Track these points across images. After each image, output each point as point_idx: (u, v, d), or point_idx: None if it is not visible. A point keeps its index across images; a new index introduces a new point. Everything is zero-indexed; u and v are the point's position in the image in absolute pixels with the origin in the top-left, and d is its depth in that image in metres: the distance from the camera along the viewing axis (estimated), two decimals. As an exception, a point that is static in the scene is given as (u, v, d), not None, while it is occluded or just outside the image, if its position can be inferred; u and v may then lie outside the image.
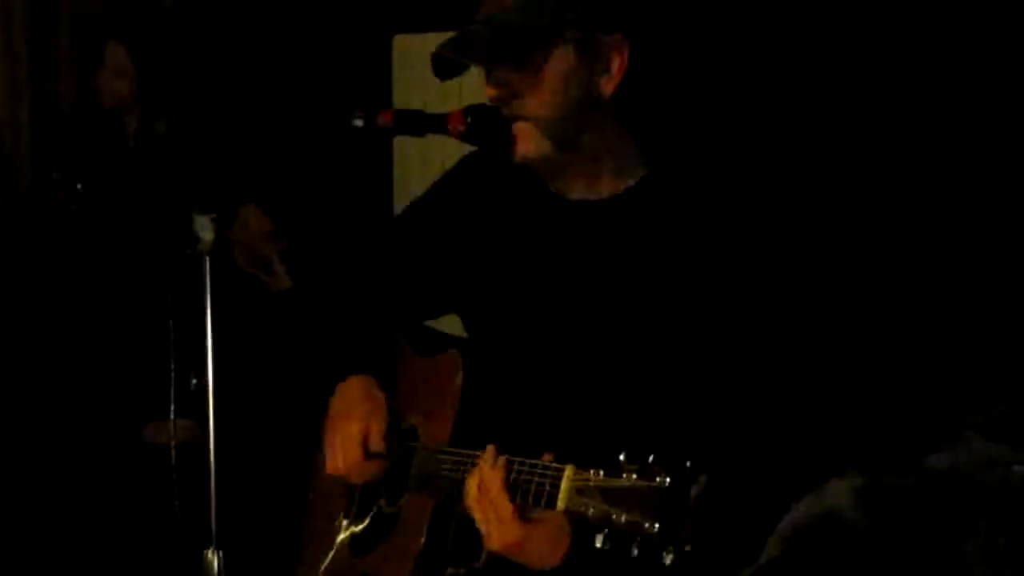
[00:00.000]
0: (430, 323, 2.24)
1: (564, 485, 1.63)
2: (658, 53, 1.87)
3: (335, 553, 2.12)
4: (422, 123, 1.97)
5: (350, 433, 1.98)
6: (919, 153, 2.34)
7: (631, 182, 1.91)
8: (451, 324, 2.17)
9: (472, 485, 1.76)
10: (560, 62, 1.81)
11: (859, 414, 1.89)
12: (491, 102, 1.87)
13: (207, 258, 2.19)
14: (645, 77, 1.85)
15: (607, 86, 1.83)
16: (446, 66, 1.88)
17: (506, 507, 1.71)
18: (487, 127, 1.87)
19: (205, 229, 2.22)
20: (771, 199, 1.95)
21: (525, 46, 1.80)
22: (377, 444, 1.98)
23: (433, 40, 1.90)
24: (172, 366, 3.08)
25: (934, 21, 2.33)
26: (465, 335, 2.11)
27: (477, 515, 1.76)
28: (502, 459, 1.75)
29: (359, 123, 1.92)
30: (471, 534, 1.81)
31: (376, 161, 3.53)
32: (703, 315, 1.82)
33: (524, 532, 1.71)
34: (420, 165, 2.19)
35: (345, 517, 2.15)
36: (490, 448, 1.78)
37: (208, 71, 3.97)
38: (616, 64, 1.82)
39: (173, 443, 3.15)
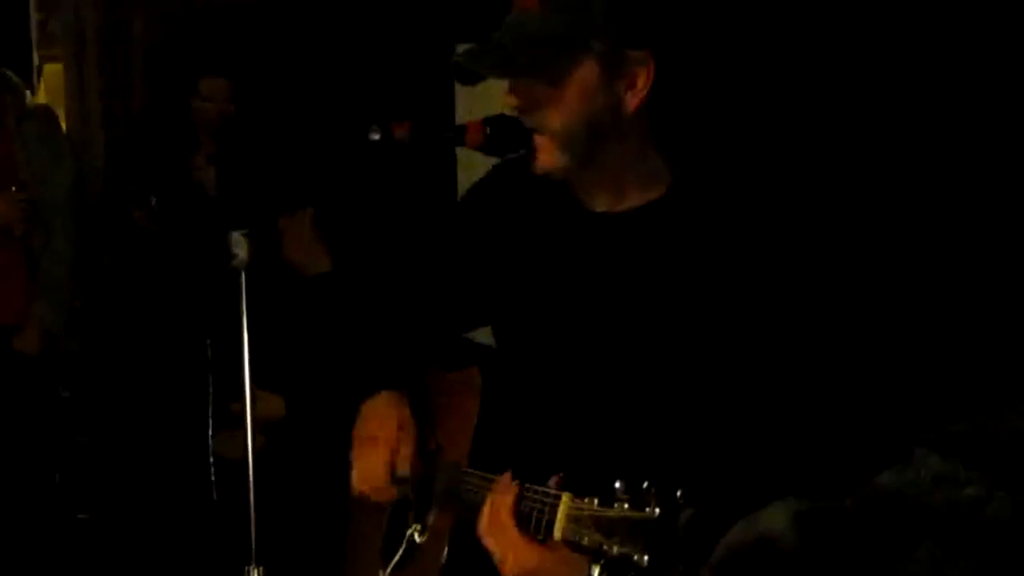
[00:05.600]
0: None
1: (560, 514, 1.66)
2: (687, 67, 1.89)
3: (373, 570, 2.19)
4: (441, 134, 2.01)
5: (376, 458, 2.06)
6: (950, 185, 2.34)
7: (657, 194, 1.92)
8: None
9: (484, 514, 1.81)
10: (582, 76, 1.82)
11: (836, 441, 1.87)
12: (513, 112, 1.90)
13: (243, 273, 2.30)
14: (675, 91, 1.86)
15: (631, 101, 1.84)
16: (468, 72, 1.93)
17: (515, 534, 1.75)
18: (507, 138, 1.90)
19: (239, 246, 2.33)
20: (797, 212, 1.94)
21: (546, 58, 1.82)
22: (403, 468, 2.05)
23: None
24: (211, 387, 3.20)
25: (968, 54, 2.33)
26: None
27: (489, 544, 1.80)
28: (514, 487, 1.78)
29: (376, 136, 1.97)
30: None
31: (440, 170, 3.62)
32: (723, 332, 1.82)
33: (539, 556, 1.73)
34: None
35: (381, 536, 2.22)
36: (505, 476, 1.82)
37: (276, 81, 4.13)
38: (641, 79, 1.83)
39: (212, 460, 3.27)
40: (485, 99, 2.29)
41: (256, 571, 2.33)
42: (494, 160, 2.08)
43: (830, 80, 2.52)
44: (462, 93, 3.43)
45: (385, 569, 2.13)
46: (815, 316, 1.84)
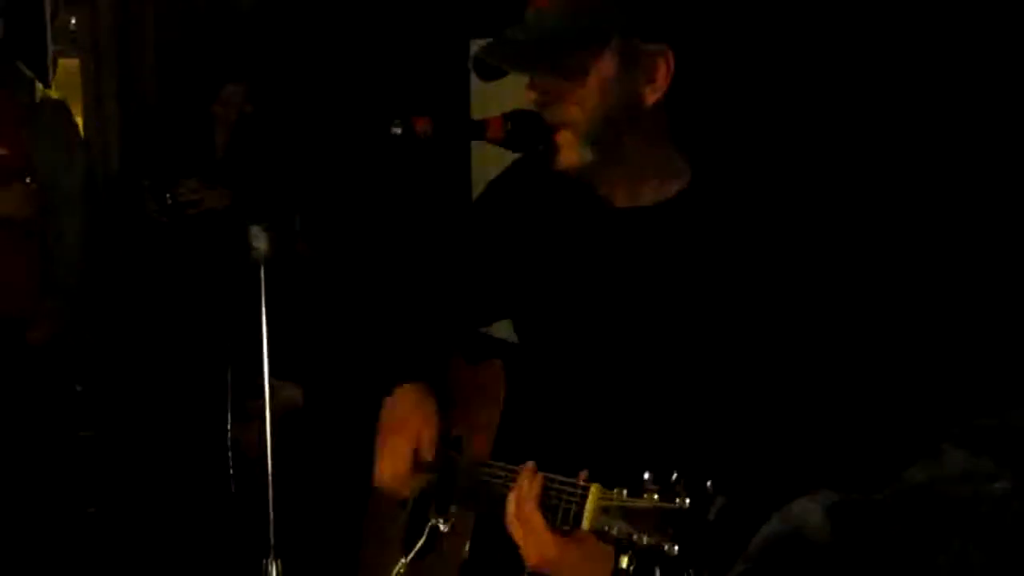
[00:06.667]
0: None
1: (589, 505, 1.69)
2: (706, 61, 1.91)
3: (392, 564, 2.21)
4: (462, 130, 2.04)
5: (400, 447, 2.09)
6: (974, 179, 2.35)
7: (675, 189, 1.94)
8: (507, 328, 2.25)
9: (511, 502, 1.83)
10: (602, 70, 1.84)
11: (864, 434, 1.90)
12: (533, 106, 1.93)
13: (262, 267, 2.32)
14: (694, 85, 1.88)
15: (651, 96, 1.86)
16: (489, 68, 1.95)
17: (540, 523, 1.78)
18: (528, 133, 1.92)
19: (259, 239, 2.35)
20: (819, 205, 1.97)
21: (566, 53, 1.84)
22: (427, 456, 2.08)
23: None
24: (229, 381, 3.22)
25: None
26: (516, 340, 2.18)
27: (515, 532, 1.83)
28: (539, 476, 1.81)
29: (397, 131, 1.99)
30: (515, 547, 1.87)
31: (455, 166, 3.64)
32: (747, 324, 1.84)
33: (560, 548, 1.76)
34: (498, 170, 2.28)
35: (402, 527, 2.25)
36: (529, 464, 1.85)
37: (293, 77, 4.16)
38: (661, 73, 1.85)
39: (230, 453, 3.29)
40: (501, 95, 2.33)
41: (275, 564, 2.35)
42: (509, 155, 2.11)
43: (848, 79, 2.54)
44: (477, 88, 3.45)
45: (405, 558, 2.15)
46: (841, 307, 1.86)
